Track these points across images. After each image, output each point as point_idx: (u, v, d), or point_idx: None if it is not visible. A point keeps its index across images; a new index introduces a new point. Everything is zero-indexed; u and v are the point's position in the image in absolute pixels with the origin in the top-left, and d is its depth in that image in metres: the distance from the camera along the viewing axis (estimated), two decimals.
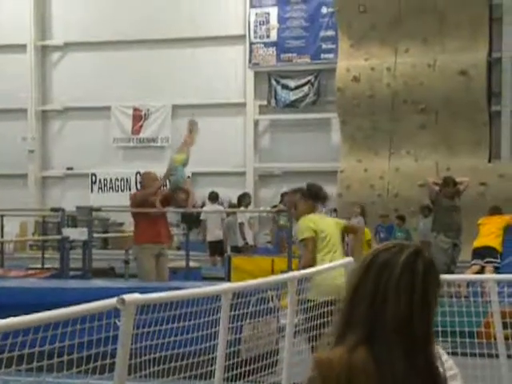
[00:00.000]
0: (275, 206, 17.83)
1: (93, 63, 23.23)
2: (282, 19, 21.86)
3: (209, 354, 4.99)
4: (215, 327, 4.98)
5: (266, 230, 20.27)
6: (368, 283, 1.90)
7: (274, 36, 21.92)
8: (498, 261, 11.89)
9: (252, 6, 22.08)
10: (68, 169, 23.74)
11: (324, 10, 21.49)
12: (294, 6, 21.76)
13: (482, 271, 11.57)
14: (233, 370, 5.26)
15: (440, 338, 6.55)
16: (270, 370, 5.74)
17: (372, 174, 19.88)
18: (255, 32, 22.08)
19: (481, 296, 7.37)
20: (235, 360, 5.30)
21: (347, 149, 20.44)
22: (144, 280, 10.39)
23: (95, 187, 23.50)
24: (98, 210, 14.19)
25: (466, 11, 19.09)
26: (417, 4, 19.44)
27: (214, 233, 16.70)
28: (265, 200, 21.62)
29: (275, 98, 22.04)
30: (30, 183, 23.88)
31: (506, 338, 6.40)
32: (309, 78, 21.71)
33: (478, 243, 12.13)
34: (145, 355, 4.56)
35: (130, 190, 22.70)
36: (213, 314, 5.00)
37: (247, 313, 5.40)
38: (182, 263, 13.69)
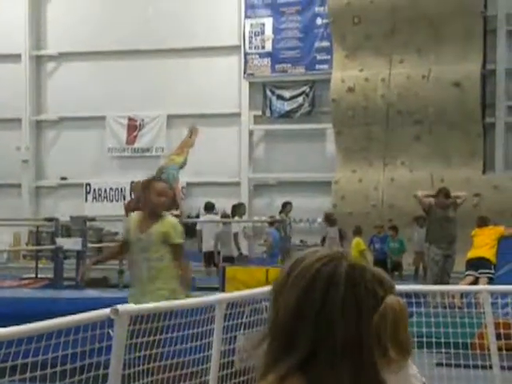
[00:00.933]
0: (272, 217, 17.81)
1: (87, 73, 23.24)
2: (276, 30, 21.92)
3: (203, 364, 4.98)
4: (209, 337, 4.97)
5: (260, 240, 20.25)
6: (312, 302, 1.72)
7: (268, 46, 21.99)
8: (492, 272, 11.90)
9: (247, 16, 22.14)
10: (62, 178, 23.71)
11: (319, 21, 21.56)
12: (289, 17, 21.83)
13: (475, 282, 11.58)
14: (227, 381, 5.25)
15: (434, 349, 6.56)
16: None
17: (367, 185, 19.91)
18: (250, 42, 22.14)
19: (475, 307, 7.37)
20: (229, 370, 5.29)
21: (342, 159, 20.48)
22: None
23: (89, 197, 23.47)
24: (93, 219, 14.18)
25: (461, 22, 19.17)
26: (411, 15, 19.52)
27: (210, 243, 16.67)
28: (259, 210, 21.62)
29: (270, 109, 22.08)
30: (23, 193, 23.84)
31: (500, 350, 6.40)
32: (303, 88, 21.76)
33: (471, 254, 12.16)
34: (138, 365, 4.55)
35: (124, 199, 22.65)
36: (207, 325, 4.99)
37: (241, 323, 5.40)
38: None
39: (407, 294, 6.36)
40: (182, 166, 11.51)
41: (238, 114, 22.37)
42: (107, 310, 3.94)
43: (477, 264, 11.95)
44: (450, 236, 12.67)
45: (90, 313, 3.97)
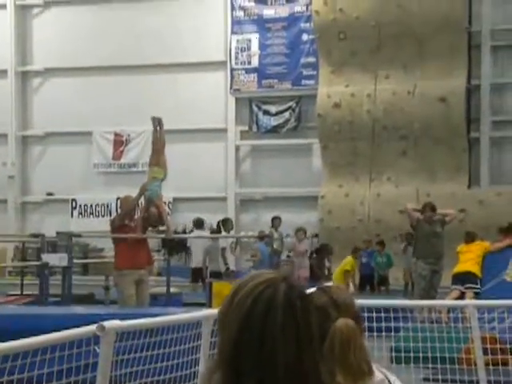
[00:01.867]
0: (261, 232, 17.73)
1: (73, 89, 23.22)
2: (262, 46, 22.00)
3: (189, 381, 4.96)
4: (196, 354, 4.95)
5: (247, 255, 20.23)
6: (252, 330, 1.70)
7: (255, 62, 22.05)
8: (478, 286, 11.93)
9: (233, 32, 22.22)
10: (48, 194, 23.62)
11: (305, 36, 21.66)
12: (275, 33, 21.91)
13: (462, 297, 11.60)
14: None
15: (421, 364, 6.55)
16: None
17: (353, 200, 19.95)
18: (236, 58, 22.20)
19: (461, 322, 7.38)
20: None
21: (328, 174, 20.53)
22: (124, 306, 10.31)
23: (75, 212, 23.39)
24: (78, 235, 14.12)
25: (445, 38, 19.31)
26: (396, 31, 19.65)
27: (199, 259, 16.62)
28: (246, 225, 21.61)
29: (256, 124, 22.12)
30: (9, 208, 23.73)
31: (487, 364, 6.40)
32: (290, 103, 21.82)
33: (457, 269, 12.20)
34: (125, 382, 4.52)
35: (110, 215, 22.57)
36: (194, 341, 4.97)
37: None
38: (163, 289, 13.62)
39: (394, 309, 6.37)
40: (164, 178, 11.51)
41: (225, 130, 22.40)
42: (93, 327, 3.92)
43: (463, 278, 11.99)
44: (438, 251, 12.70)
45: (76, 329, 3.95)
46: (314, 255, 18.29)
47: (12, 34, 23.66)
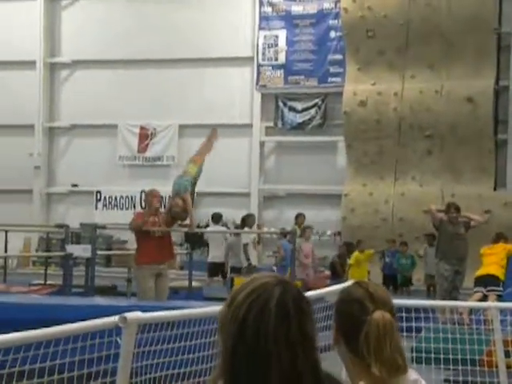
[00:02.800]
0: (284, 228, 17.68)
1: (101, 81, 23.34)
2: (290, 42, 21.97)
3: (209, 375, 4.97)
4: (216, 348, 4.95)
5: (269, 251, 20.23)
6: (247, 337, 1.72)
7: (282, 58, 22.02)
8: (501, 289, 11.84)
9: (261, 28, 22.20)
10: (73, 185, 23.78)
11: (332, 34, 21.60)
12: (303, 30, 21.87)
13: (484, 299, 11.51)
14: None
15: (442, 365, 6.52)
16: None
17: (377, 199, 19.87)
18: (263, 54, 22.19)
19: (483, 324, 7.33)
20: None
21: (352, 172, 20.46)
22: (142, 299, 10.34)
23: (100, 204, 23.52)
24: (103, 227, 14.18)
25: (474, 38, 19.16)
26: (424, 30, 19.53)
27: (215, 254, 16.61)
28: (269, 221, 21.60)
29: (282, 120, 22.10)
30: (35, 199, 23.92)
31: (508, 367, 6.36)
32: (316, 100, 21.78)
33: (480, 272, 12.10)
34: (145, 374, 4.54)
35: (134, 208, 22.71)
36: (214, 335, 4.98)
37: None
38: (184, 283, 13.66)
39: (416, 309, 6.34)
40: (196, 177, 11.48)
41: (250, 125, 22.40)
42: (115, 318, 3.94)
43: (485, 281, 11.89)
44: (460, 253, 12.61)
45: (99, 320, 3.97)
46: (336, 254, 18.22)
47: (41, 26, 23.84)
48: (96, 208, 23.43)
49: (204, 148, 11.96)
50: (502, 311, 6.67)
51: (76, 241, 19.15)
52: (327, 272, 17.90)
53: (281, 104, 22.07)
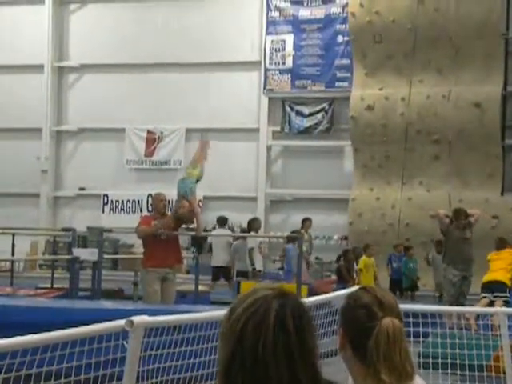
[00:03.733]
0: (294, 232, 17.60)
1: (108, 85, 23.40)
2: (297, 47, 21.98)
3: (216, 379, 4.96)
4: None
5: (275, 255, 20.22)
6: (245, 349, 1.73)
7: (289, 63, 22.03)
8: (508, 295, 11.80)
9: (268, 33, 22.22)
10: (80, 189, 23.82)
11: (340, 38, 21.60)
12: (310, 34, 21.88)
13: (491, 305, 11.48)
14: None
15: (449, 371, 6.50)
16: None
17: (384, 203, 19.85)
18: (271, 58, 22.20)
19: (491, 329, 7.31)
20: None
21: (359, 177, 20.44)
22: (148, 302, 10.33)
23: (107, 208, 23.55)
24: (109, 231, 14.20)
25: (482, 43, 19.14)
26: (432, 35, 19.51)
27: (219, 258, 16.54)
28: (275, 225, 21.59)
29: (289, 125, 22.10)
30: (42, 202, 23.97)
31: None
32: (323, 105, 21.78)
33: (487, 278, 12.06)
34: (152, 378, 4.54)
35: (141, 211, 22.73)
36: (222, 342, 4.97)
37: None
38: (191, 287, 13.65)
39: (423, 314, 6.33)
40: (199, 178, 11.50)
41: (257, 130, 22.41)
42: (122, 322, 3.94)
43: (492, 287, 11.85)
44: (467, 257, 12.58)
45: (105, 324, 3.97)
46: (341, 258, 18.18)
47: (49, 30, 23.90)
48: (103, 212, 23.46)
49: (198, 157, 11.97)
50: (510, 316, 6.65)
51: (83, 244, 19.17)
52: (333, 277, 17.88)
53: (288, 108, 22.07)
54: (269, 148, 22.43)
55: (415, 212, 19.26)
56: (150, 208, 22.55)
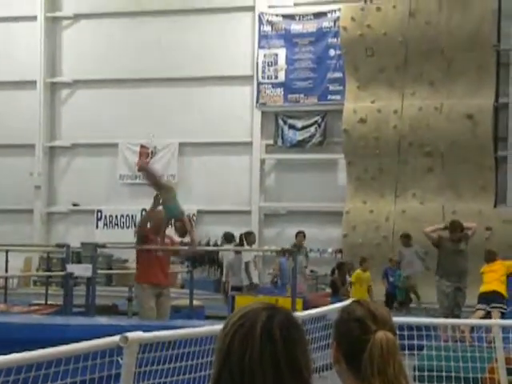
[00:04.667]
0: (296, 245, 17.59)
1: (101, 101, 23.41)
2: (290, 60, 22.05)
3: None
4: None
5: (270, 269, 20.21)
6: (232, 363, 1.76)
7: (281, 77, 22.10)
8: (505, 307, 11.81)
9: (260, 47, 22.29)
10: (74, 205, 23.79)
11: (332, 52, 21.68)
12: (302, 48, 21.96)
13: (487, 317, 11.48)
14: None
15: None
16: None
17: (378, 216, 19.87)
18: (263, 72, 22.26)
19: (485, 341, 7.31)
20: None
21: (353, 190, 20.47)
22: (144, 318, 10.32)
23: (100, 223, 23.51)
24: (103, 246, 14.15)
25: (473, 56, 19.23)
26: (423, 48, 19.61)
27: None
28: (269, 239, 21.59)
29: (282, 138, 22.14)
30: (35, 218, 23.91)
31: None
32: (316, 118, 21.83)
33: (484, 288, 12.07)
34: None
35: (135, 226, 22.67)
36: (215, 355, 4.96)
37: None
38: (186, 302, 13.62)
39: (417, 327, 6.33)
40: (174, 196, 11.56)
41: (250, 143, 22.44)
42: (116, 338, 3.93)
43: (489, 298, 11.86)
44: (461, 269, 12.59)
45: (99, 340, 3.96)
46: (336, 271, 18.18)
47: (41, 46, 23.93)
48: (97, 227, 23.42)
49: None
50: (505, 329, 6.65)
51: (77, 260, 19.10)
52: (328, 290, 17.86)
53: (281, 122, 22.12)
54: (262, 162, 22.46)
55: (409, 224, 19.26)
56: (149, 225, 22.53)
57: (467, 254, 12.74)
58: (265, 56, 22.24)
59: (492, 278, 12.03)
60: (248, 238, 16.53)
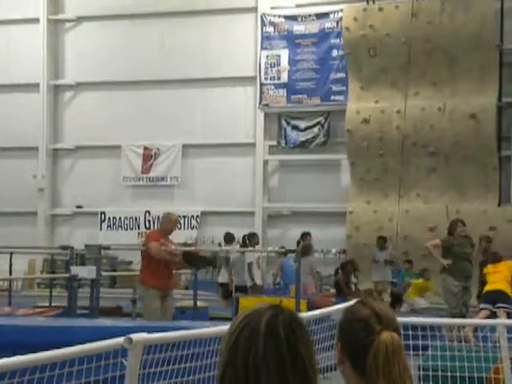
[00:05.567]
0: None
1: (104, 103, 23.42)
2: (292, 61, 22.04)
3: None
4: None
5: (273, 270, 20.20)
6: (237, 362, 1.78)
7: (284, 77, 22.09)
8: (510, 306, 11.78)
9: (263, 48, 22.29)
10: (77, 207, 23.80)
11: (334, 52, 21.67)
12: (305, 49, 21.95)
13: (491, 317, 11.45)
14: None
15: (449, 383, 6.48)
16: None
17: (381, 216, 19.85)
18: (266, 73, 22.25)
19: (490, 341, 7.30)
20: None
21: (356, 190, 20.45)
22: (149, 320, 10.33)
23: (104, 225, 23.52)
24: (107, 248, 14.18)
25: (476, 55, 19.21)
26: (427, 48, 19.60)
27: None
28: (273, 240, 21.58)
29: (285, 139, 22.13)
30: (39, 221, 23.93)
31: None
32: (319, 119, 21.81)
33: (488, 288, 12.05)
34: None
35: (138, 228, 22.72)
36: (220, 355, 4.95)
37: None
38: (190, 303, 13.63)
39: (422, 327, 6.32)
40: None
41: (253, 144, 22.44)
42: (121, 340, 3.93)
43: (494, 297, 11.82)
44: (468, 273, 12.60)
45: (104, 342, 3.96)
46: (340, 271, 18.18)
47: (44, 48, 23.95)
48: (100, 229, 23.43)
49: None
50: (510, 328, 6.63)
51: (81, 262, 19.10)
52: (332, 290, 17.86)
53: (284, 123, 22.11)
54: (265, 163, 22.45)
55: (413, 225, 19.27)
56: (147, 224, 22.55)
57: (472, 258, 12.75)
58: (267, 57, 22.23)
59: (497, 279, 12.01)
60: (251, 239, 16.55)
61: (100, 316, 11.81)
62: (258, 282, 16.47)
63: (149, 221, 22.75)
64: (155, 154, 23.28)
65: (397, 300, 17.13)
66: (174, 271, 11.06)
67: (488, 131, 19.27)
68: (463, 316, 11.87)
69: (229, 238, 17.42)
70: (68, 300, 12.56)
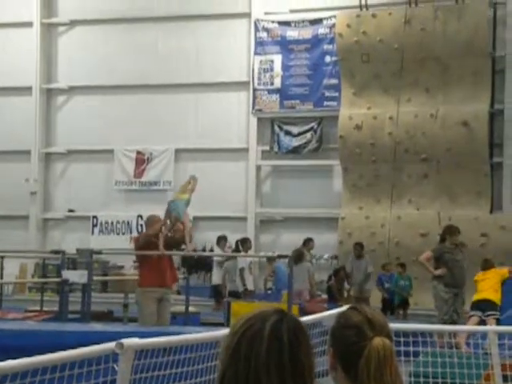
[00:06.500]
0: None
1: (97, 107, 23.41)
2: (285, 67, 22.08)
3: None
4: (214, 374, 4.94)
5: (265, 275, 20.19)
6: (238, 363, 1.79)
7: (277, 83, 22.12)
8: (499, 313, 11.82)
9: (256, 53, 22.32)
10: (69, 211, 23.76)
11: (327, 58, 21.71)
12: (298, 55, 21.99)
13: (481, 324, 11.47)
14: None
15: None
16: None
17: (373, 222, 19.88)
18: (259, 79, 22.29)
19: (481, 348, 7.31)
20: None
21: (349, 196, 20.49)
22: (144, 324, 10.31)
23: (96, 230, 23.48)
24: (99, 252, 14.15)
25: (469, 62, 19.29)
26: (419, 55, 19.66)
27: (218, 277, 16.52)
28: (265, 245, 21.58)
29: (278, 144, 22.15)
30: (31, 225, 23.88)
31: None
32: (311, 124, 21.85)
33: (477, 297, 12.07)
34: None
35: (131, 233, 22.68)
36: (212, 360, 4.96)
37: None
38: (181, 308, 13.61)
39: (413, 333, 6.33)
40: (187, 203, 11.49)
41: (246, 149, 22.46)
42: (112, 344, 3.93)
43: (482, 306, 11.85)
44: (460, 281, 12.59)
45: (95, 347, 3.96)
46: (333, 277, 18.19)
47: (37, 52, 23.92)
48: (92, 233, 23.38)
49: (184, 189, 11.84)
50: (500, 335, 6.65)
51: (72, 266, 19.08)
52: (324, 296, 17.87)
53: (277, 128, 22.14)
54: (258, 168, 22.47)
55: (405, 231, 19.30)
56: (139, 229, 22.51)
57: (464, 265, 12.74)
58: (261, 62, 22.26)
59: (486, 286, 12.03)
60: (244, 244, 16.57)
61: (91, 321, 11.78)
62: (250, 287, 16.48)
63: (141, 225, 22.70)
64: (148, 158, 23.27)
65: (404, 303, 17.12)
66: (171, 269, 10.97)
67: (480, 138, 19.33)
68: (454, 323, 11.88)
69: (220, 239, 17.46)
70: (59, 304, 12.53)
